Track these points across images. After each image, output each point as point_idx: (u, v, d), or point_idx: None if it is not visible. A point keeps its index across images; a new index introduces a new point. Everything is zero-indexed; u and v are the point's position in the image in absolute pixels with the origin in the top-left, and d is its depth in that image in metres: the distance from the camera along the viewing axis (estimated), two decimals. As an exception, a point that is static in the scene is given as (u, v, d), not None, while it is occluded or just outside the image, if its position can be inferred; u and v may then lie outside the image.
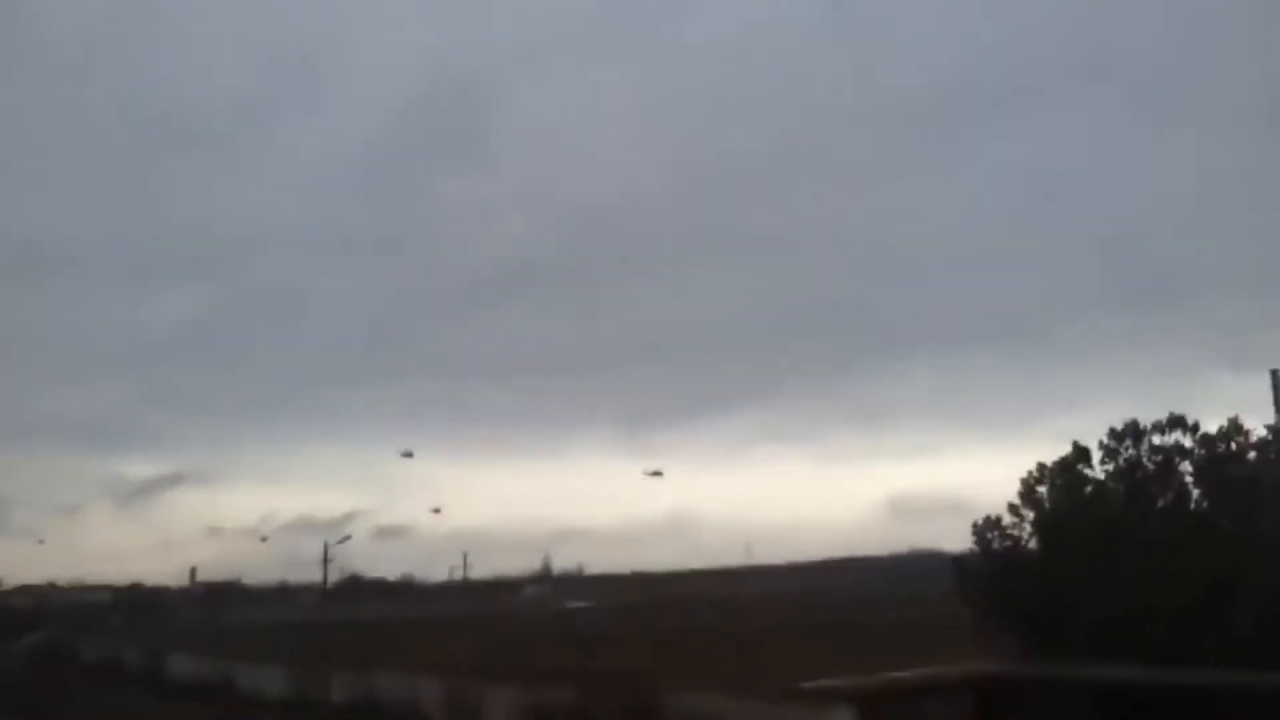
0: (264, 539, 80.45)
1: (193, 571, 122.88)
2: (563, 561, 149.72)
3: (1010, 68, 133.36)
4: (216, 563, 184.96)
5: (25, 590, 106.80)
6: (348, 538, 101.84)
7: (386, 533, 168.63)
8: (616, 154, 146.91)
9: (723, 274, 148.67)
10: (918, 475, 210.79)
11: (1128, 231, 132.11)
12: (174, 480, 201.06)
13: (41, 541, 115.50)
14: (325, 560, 58.69)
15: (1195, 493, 13.76)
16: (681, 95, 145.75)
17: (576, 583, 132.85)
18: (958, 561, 15.71)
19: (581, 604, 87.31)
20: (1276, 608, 11.51)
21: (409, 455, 61.71)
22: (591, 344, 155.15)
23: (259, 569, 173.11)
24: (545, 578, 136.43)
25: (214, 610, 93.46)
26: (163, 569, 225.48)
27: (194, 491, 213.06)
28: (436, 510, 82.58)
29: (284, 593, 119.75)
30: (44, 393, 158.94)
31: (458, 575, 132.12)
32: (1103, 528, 13.40)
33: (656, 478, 67.32)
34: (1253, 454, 13.63)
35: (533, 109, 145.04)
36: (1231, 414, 13.77)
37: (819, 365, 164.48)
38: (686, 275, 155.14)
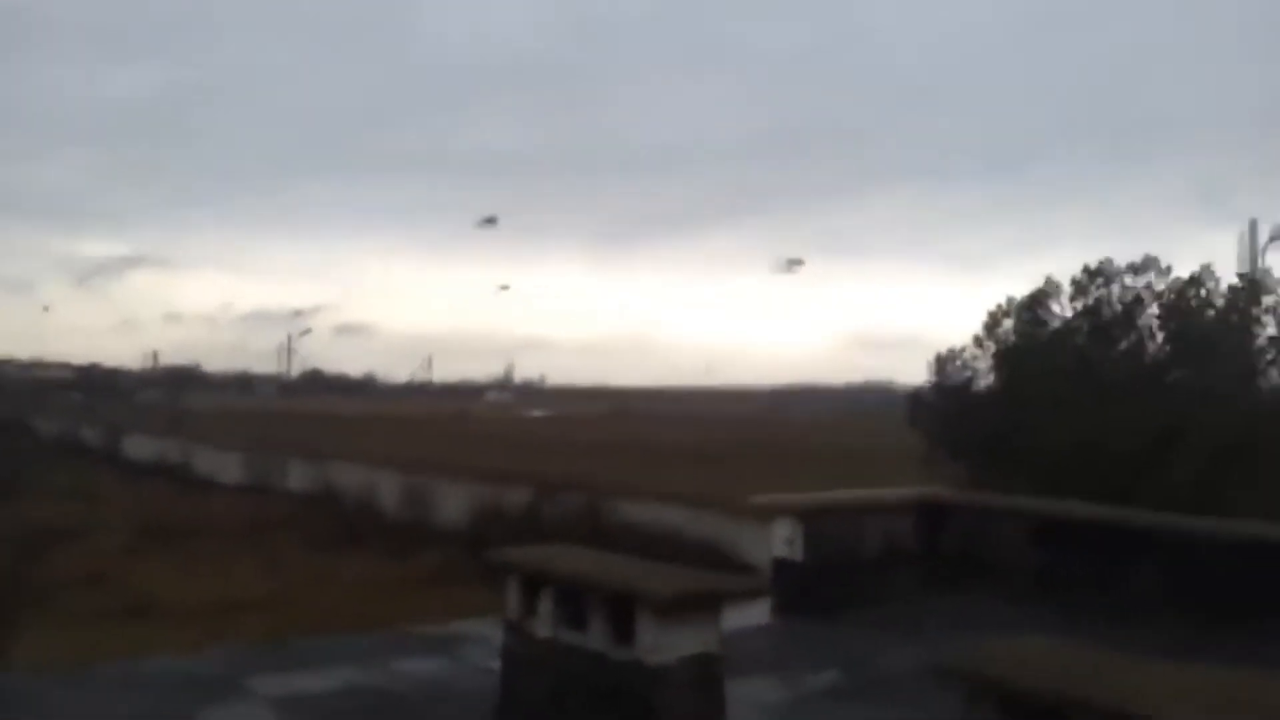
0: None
1: (154, 355, 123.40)
2: (526, 371, 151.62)
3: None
4: (176, 348, 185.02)
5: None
6: (309, 331, 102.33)
7: (349, 330, 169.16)
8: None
9: (707, 90, 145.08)
10: (881, 309, 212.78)
11: (1117, 74, 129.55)
12: (133, 261, 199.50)
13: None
14: (288, 351, 58.62)
15: (1158, 337, 13.80)
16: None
17: (538, 392, 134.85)
18: (914, 392, 15.85)
19: (541, 413, 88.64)
20: (1218, 459, 11.75)
21: (491, 222, 56.24)
22: (569, 151, 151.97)
23: (219, 356, 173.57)
24: (507, 385, 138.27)
25: (173, 394, 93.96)
26: (122, 350, 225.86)
27: (154, 274, 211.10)
28: (505, 287, 77.75)
29: (244, 382, 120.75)
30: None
31: (420, 377, 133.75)
32: (1061, 366, 13.48)
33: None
34: (1219, 303, 13.59)
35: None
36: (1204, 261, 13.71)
37: (794, 189, 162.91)
38: (671, 88, 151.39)
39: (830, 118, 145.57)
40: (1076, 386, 12.96)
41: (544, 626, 5.15)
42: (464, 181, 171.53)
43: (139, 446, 43.76)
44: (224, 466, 35.21)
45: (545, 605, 5.12)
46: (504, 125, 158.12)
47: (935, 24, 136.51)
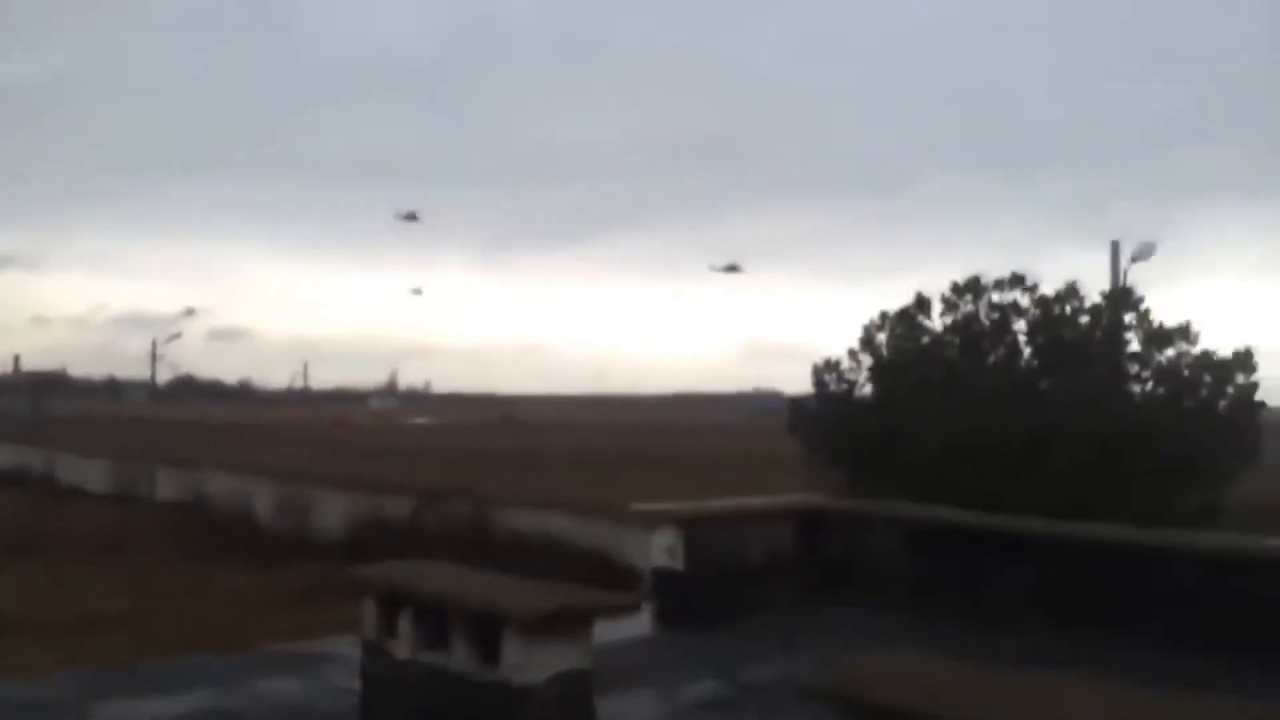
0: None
1: (16, 359, 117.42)
2: (410, 377, 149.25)
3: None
4: (41, 353, 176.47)
5: None
6: (178, 335, 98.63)
7: (224, 334, 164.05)
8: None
9: (599, 96, 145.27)
10: (769, 320, 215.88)
11: (987, 94, 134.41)
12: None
13: None
14: (154, 356, 56.26)
15: (1026, 351, 14.25)
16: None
17: (423, 399, 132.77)
18: (795, 401, 16.04)
19: (426, 420, 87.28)
20: (1086, 467, 12.16)
21: (412, 218, 53.70)
22: (456, 154, 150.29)
23: (86, 362, 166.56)
24: (391, 392, 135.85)
25: (37, 401, 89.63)
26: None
27: (20, 275, 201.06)
28: (418, 291, 76.78)
29: (112, 388, 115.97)
30: None
31: (298, 383, 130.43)
32: (934, 377, 13.82)
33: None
34: (1085, 318, 14.12)
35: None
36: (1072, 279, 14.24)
37: (682, 200, 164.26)
38: (563, 93, 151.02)
39: (723, 128, 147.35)
40: (948, 396, 13.29)
41: (404, 647, 4.95)
42: (348, 184, 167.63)
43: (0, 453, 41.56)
44: (89, 475, 33.66)
45: (405, 625, 4.92)
46: (389, 127, 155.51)
47: (824, 38, 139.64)
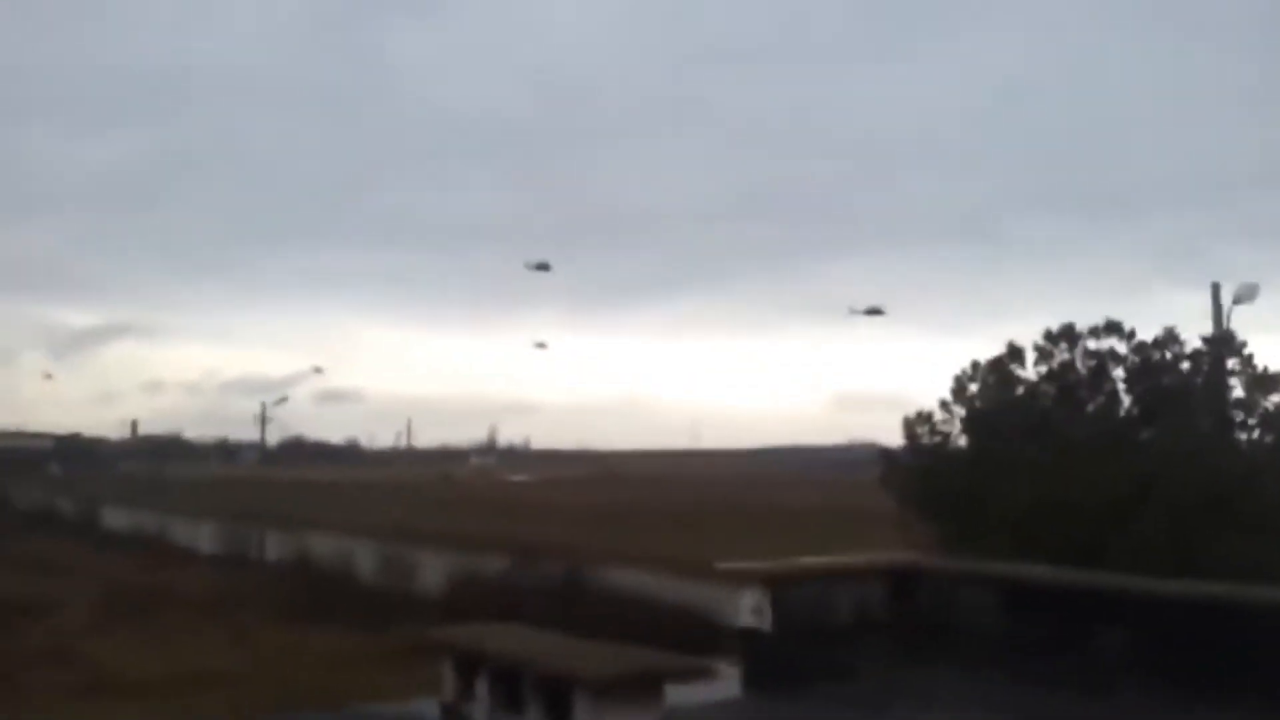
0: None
1: (133, 424, 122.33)
2: (510, 435, 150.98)
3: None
4: (157, 417, 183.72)
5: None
6: (285, 399, 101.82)
7: (332, 396, 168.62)
8: (581, 16, 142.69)
9: (682, 152, 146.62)
10: (864, 370, 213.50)
11: (1080, 138, 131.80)
12: (115, 331, 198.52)
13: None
14: (264, 419, 58.23)
15: (1125, 400, 13.85)
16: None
17: (522, 456, 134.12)
18: (887, 453, 15.80)
19: (524, 476, 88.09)
20: (1188, 519, 11.70)
21: (544, 267, 54.25)
22: (544, 216, 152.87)
23: (200, 425, 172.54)
24: (491, 449, 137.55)
25: (153, 464, 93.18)
26: (103, 420, 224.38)
27: (136, 344, 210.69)
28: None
29: (224, 450, 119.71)
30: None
31: (403, 442, 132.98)
32: (1029, 427, 13.50)
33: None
34: (1185, 365, 13.69)
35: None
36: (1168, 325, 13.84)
37: (772, 252, 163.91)
38: (644, 150, 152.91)
39: (809, 180, 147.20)
40: (1044, 447, 12.96)
41: (481, 709, 5.02)
42: (449, 247, 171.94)
43: (115, 517, 43.19)
44: (200, 537, 34.75)
45: (482, 687, 5.00)
46: (484, 190, 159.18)
47: (912, 87, 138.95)
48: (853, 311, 49.03)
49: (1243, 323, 21.25)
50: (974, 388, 14.30)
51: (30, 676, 14.26)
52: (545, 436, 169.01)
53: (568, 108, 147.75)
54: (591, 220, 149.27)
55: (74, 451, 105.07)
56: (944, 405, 14.46)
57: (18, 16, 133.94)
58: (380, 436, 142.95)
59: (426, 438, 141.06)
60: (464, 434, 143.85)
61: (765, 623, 9.02)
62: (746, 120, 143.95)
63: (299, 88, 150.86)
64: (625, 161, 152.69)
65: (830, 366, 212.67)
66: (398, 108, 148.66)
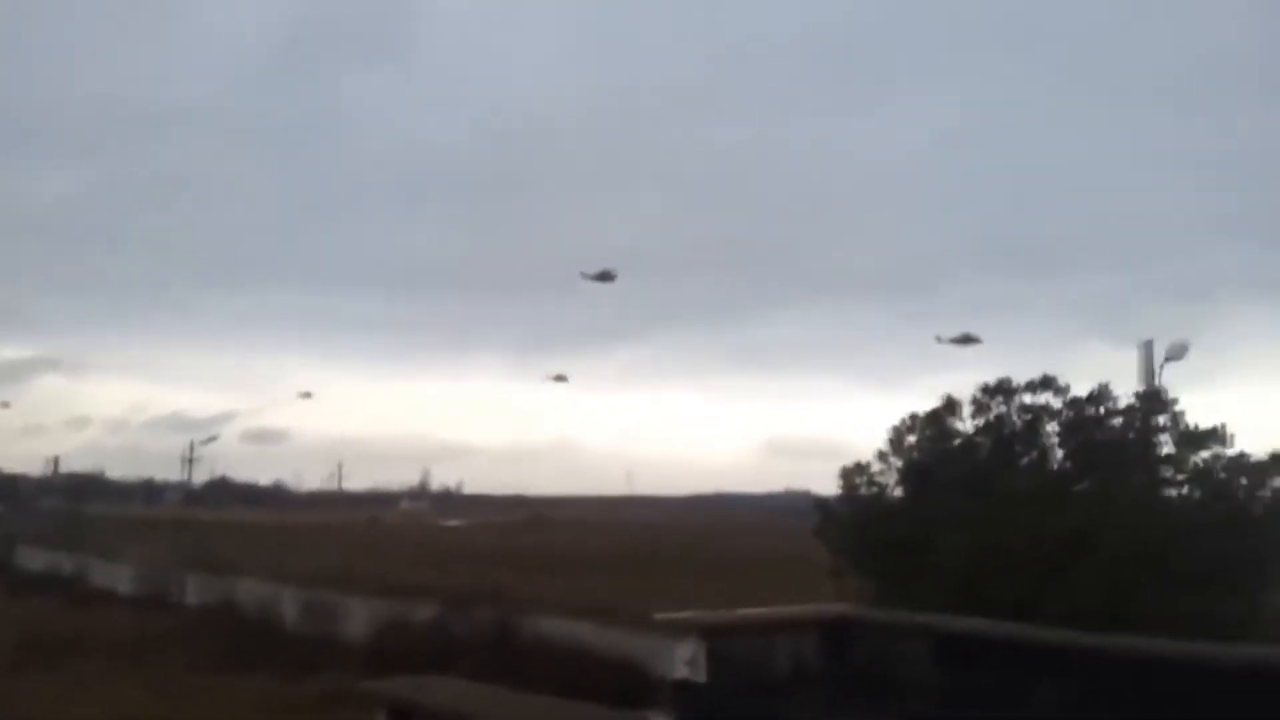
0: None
1: (55, 461, 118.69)
2: (442, 478, 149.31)
3: (932, 23, 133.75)
4: (81, 454, 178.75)
5: None
6: (214, 438, 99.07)
7: (260, 436, 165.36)
8: (535, 63, 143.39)
9: (626, 202, 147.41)
10: (798, 419, 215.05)
11: (1015, 196, 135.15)
12: (39, 365, 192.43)
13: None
14: (190, 459, 56.77)
15: (1059, 453, 14.05)
16: (610, 13, 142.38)
17: (455, 500, 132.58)
18: (821, 504, 15.83)
19: (457, 522, 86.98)
20: (1124, 571, 11.83)
21: (607, 277, 48.91)
22: (487, 261, 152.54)
23: (124, 463, 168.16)
24: (423, 493, 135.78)
25: (74, 502, 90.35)
26: (22, 455, 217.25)
27: (62, 379, 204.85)
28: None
29: (148, 489, 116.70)
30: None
31: (332, 484, 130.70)
32: (965, 480, 13.61)
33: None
34: (1118, 420, 13.94)
35: (457, 7, 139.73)
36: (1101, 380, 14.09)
37: (709, 302, 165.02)
38: (592, 199, 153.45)
39: (746, 235, 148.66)
40: (980, 499, 13.06)
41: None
42: (383, 289, 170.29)
43: (31, 558, 41.70)
44: (119, 579, 33.65)
45: (411, 742, 4.81)
46: (424, 234, 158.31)
47: (849, 143, 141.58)
48: (940, 341, 44.78)
49: (1174, 380, 21.78)
50: (911, 439, 14.42)
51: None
52: (479, 480, 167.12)
53: (514, 153, 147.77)
54: (533, 265, 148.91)
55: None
56: (881, 456, 14.55)
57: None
58: (309, 478, 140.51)
59: (358, 480, 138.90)
60: (396, 477, 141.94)
61: (699, 674, 8.87)
62: (686, 170, 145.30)
63: (244, 127, 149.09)
64: (568, 209, 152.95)
65: (766, 415, 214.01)
66: (346, 148, 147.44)
